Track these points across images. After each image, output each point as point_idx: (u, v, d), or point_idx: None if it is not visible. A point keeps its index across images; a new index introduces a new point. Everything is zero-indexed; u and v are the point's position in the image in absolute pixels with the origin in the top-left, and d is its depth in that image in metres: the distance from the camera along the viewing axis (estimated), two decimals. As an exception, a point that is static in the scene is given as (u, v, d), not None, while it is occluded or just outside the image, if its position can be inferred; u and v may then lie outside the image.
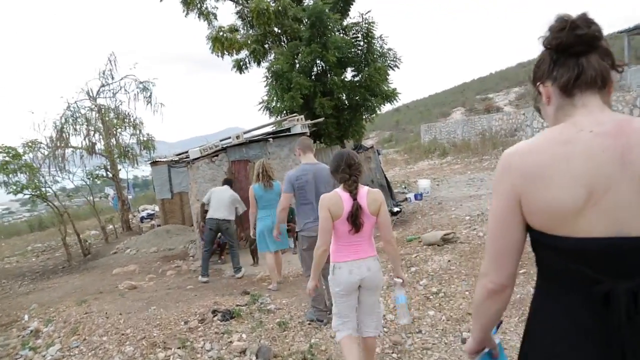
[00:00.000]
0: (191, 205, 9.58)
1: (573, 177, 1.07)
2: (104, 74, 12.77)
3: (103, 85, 13.15)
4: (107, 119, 12.94)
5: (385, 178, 11.09)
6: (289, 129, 9.32)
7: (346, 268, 2.97)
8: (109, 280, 8.74)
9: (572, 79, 1.15)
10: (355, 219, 2.87)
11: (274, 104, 10.86)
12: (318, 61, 10.77)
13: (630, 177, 1.05)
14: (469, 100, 36.53)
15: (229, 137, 9.28)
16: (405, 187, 12.97)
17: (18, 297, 7.74)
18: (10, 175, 10.83)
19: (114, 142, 13.19)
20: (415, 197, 11.16)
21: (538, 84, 1.24)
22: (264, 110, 11.64)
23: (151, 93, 13.12)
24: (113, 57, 12.81)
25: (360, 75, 11.21)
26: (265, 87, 10.99)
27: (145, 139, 13.67)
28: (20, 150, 11.19)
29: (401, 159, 23.77)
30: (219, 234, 7.50)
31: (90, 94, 13.09)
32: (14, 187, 10.64)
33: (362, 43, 11.11)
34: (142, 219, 14.91)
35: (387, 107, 11.87)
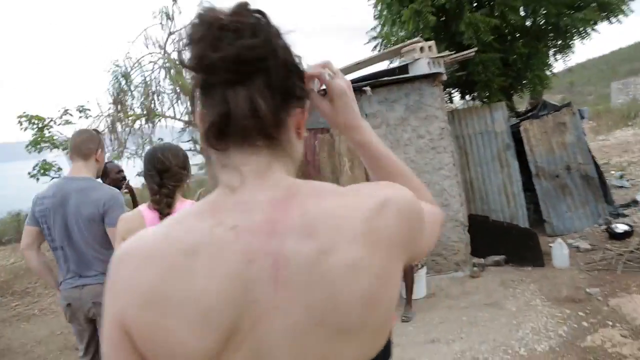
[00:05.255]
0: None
1: (201, 311, 0.58)
2: (165, 16, 9.35)
3: (171, 33, 9.82)
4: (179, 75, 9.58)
5: (595, 163, 5.94)
6: (406, 67, 4.75)
7: None
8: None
9: (215, 124, 0.62)
10: None
11: (386, 28, 6.24)
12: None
13: (288, 303, 0.59)
14: (669, 53, 27.87)
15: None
16: (622, 177, 7.49)
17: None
18: (40, 154, 8.21)
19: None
20: (658, 199, 5.82)
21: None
22: (378, 44, 7.11)
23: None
24: (176, -10, 9.30)
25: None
26: (371, 3, 6.45)
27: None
28: (58, 121, 8.46)
29: (587, 127, 17.55)
30: None
31: (160, 45, 9.83)
32: (34, 172, 7.94)
33: None
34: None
35: (603, 28, 6.61)
